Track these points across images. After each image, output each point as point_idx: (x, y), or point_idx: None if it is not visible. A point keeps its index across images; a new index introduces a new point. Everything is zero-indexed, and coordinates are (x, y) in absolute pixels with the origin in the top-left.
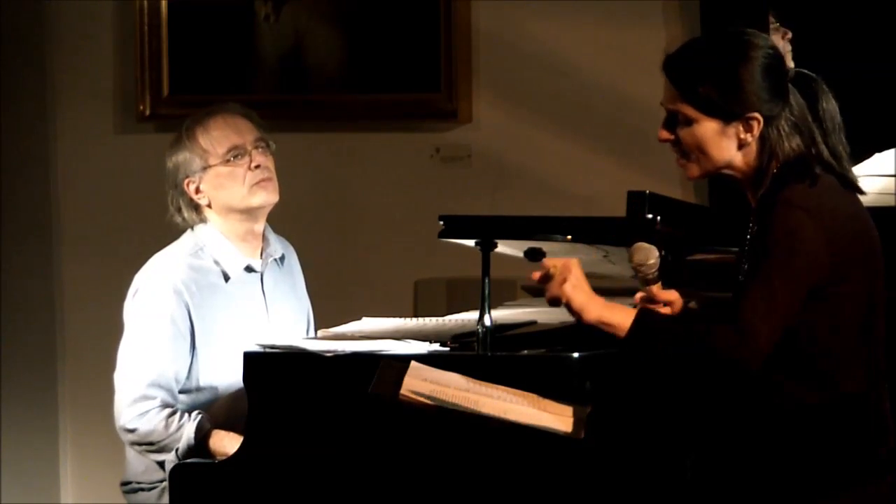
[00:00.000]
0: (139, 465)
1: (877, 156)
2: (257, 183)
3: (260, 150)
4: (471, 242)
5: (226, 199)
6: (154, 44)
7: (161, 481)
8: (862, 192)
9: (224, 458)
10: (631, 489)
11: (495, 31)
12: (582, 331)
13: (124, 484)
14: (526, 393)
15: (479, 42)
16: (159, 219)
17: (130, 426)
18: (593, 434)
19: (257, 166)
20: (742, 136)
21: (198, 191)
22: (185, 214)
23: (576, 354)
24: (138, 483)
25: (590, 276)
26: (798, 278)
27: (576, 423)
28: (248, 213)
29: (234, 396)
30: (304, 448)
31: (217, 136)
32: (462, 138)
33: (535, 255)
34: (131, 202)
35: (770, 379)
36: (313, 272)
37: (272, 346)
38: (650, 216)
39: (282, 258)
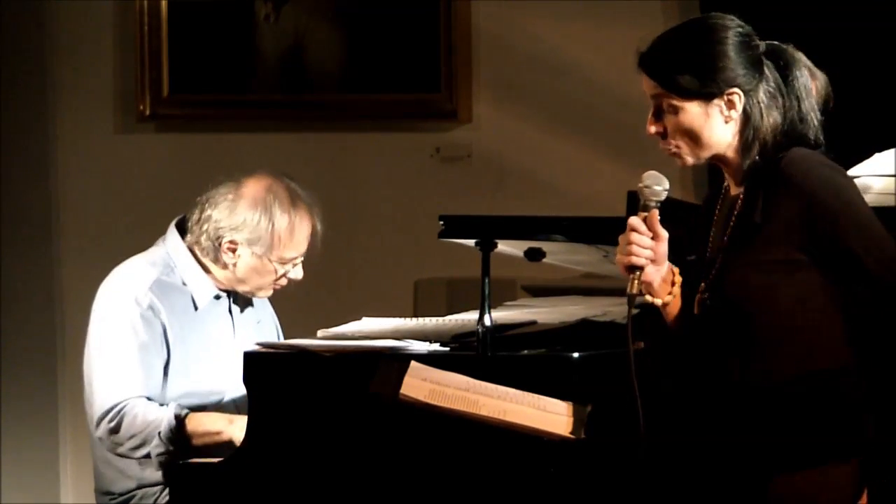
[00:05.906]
0: (109, 475)
1: (877, 156)
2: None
3: (300, 264)
4: (471, 242)
5: (241, 280)
6: (154, 44)
7: (136, 489)
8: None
9: (207, 436)
10: (630, 489)
11: (495, 31)
12: (582, 331)
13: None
14: (526, 393)
15: (479, 42)
16: (159, 219)
17: (112, 425)
18: (593, 434)
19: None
20: (725, 113)
21: (233, 253)
22: (201, 243)
23: (576, 354)
24: (111, 494)
25: (590, 276)
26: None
27: (576, 423)
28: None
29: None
30: (303, 448)
31: (297, 241)
32: (462, 138)
33: (535, 255)
34: (131, 202)
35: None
36: (313, 272)
37: (272, 346)
38: None
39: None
